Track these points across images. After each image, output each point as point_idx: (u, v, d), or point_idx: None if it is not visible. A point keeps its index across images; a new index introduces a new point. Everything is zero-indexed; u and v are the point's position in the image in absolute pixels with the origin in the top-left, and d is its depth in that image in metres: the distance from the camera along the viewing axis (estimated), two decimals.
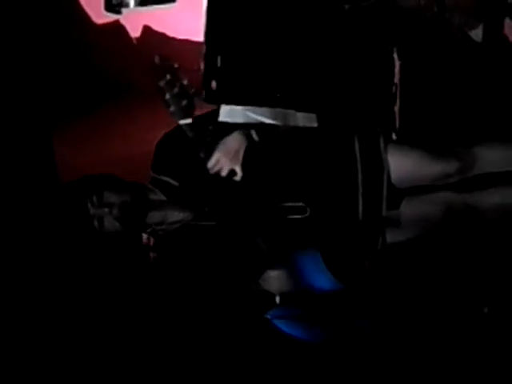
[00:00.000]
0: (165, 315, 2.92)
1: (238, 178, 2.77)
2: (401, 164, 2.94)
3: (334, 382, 2.79)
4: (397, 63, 3.39)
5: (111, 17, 4.59)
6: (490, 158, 3.00)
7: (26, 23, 4.00)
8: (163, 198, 2.86)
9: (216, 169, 2.74)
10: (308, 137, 2.95)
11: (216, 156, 2.73)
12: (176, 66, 2.64)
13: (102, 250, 2.88)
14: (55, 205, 2.86)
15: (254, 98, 3.01)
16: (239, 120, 2.93)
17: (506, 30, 3.42)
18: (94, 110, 4.40)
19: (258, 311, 2.79)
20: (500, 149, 3.03)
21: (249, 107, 2.96)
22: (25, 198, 3.65)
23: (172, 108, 2.66)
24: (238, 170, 2.77)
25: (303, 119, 3.01)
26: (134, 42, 4.58)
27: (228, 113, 2.96)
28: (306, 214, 2.84)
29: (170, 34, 4.56)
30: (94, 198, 2.72)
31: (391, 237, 2.94)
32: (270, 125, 2.93)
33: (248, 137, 2.81)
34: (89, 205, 2.72)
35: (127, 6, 4.59)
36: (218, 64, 3.06)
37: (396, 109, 3.39)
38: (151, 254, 2.89)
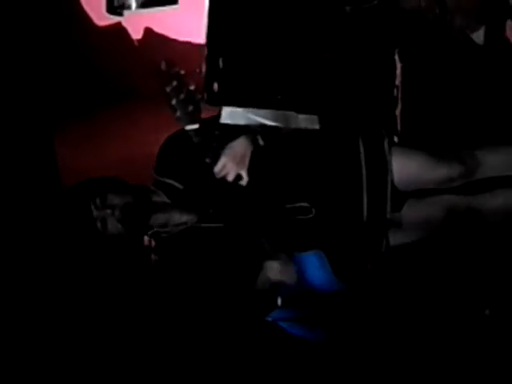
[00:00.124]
0: (168, 317, 2.93)
1: (243, 182, 2.77)
2: (405, 167, 2.95)
3: (336, 382, 2.80)
4: (398, 65, 3.39)
5: (113, 19, 4.58)
6: (492, 162, 3.00)
7: (28, 25, 4.01)
8: (167, 200, 2.86)
9: (222, 174, 2.73)
10: (312, 138, 2.96)
11: (222, 161, 2.73)
12: (182, 72, 2.64)
13: (105, 252, 2.88)
14: (58, 206, 2.86)
15: (255, 99, 3.01)
16: (240, 122, 2.93)
17: (508, 32, 3.43)
18: (95, 112, 4.40)
19: (260, 313, 2.79)
20: (502, 153, 3.04)
21: (250, 109, 2.97)
22: (26, 199, 3.66)
23: (178, 113, 2.65)
24: (244, 174, 2.77)
25: (305, 121, 3.01)
26: (136, 44, 4.57)
27: (229, 115, 2.96)
28: (311, 215, 2.85)
29: (172, 36, 4.55)
30: (98, 200, 2.72)
31: (395, 239, 2.95)
32: (272, 127, 2.93)
33: (254, 141, 2.81)
34: (92, 207, 2.72)
35: (129, 7, 4.58)
36: (220, 66, 3.06)
37: (398, 111, 3.39)
38: (153, 257, 2.89)
